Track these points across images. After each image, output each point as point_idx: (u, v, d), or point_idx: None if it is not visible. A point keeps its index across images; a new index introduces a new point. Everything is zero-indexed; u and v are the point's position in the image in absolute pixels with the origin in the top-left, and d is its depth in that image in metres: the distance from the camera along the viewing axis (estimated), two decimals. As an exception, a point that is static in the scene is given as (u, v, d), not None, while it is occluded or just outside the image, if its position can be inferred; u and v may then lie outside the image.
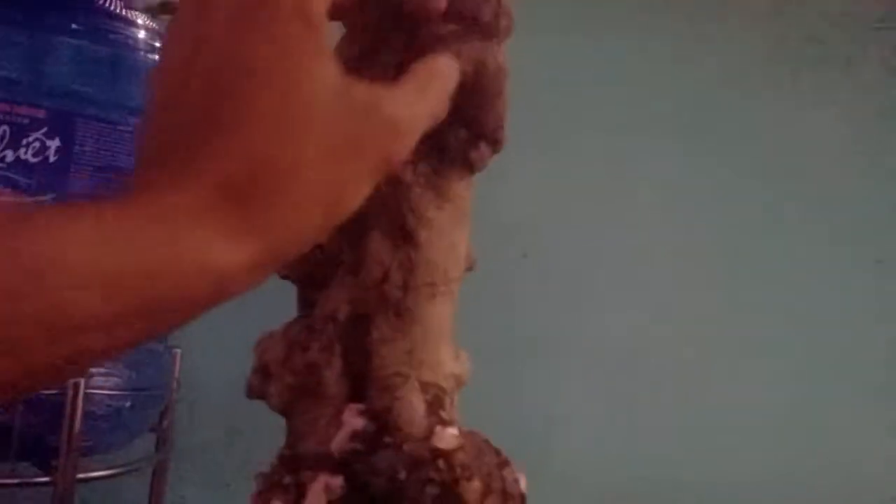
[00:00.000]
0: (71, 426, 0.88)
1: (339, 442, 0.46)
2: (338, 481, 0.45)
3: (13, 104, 0.89)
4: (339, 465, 0.46)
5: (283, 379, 0.44)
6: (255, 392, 0.46)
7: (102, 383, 0.93)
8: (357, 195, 0.31)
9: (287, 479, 0.45)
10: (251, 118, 0.28)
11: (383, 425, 0.46)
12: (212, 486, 1.27)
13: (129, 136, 0.94)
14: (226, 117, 0.28)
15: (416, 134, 0.34)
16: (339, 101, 0.30)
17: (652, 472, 1.33)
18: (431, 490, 0.45)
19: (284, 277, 0.46)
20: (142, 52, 0.96)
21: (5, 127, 0.88)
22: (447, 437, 0.46)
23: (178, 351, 1.10)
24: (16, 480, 0.88)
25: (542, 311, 1.34)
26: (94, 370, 0.92)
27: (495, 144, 0.44)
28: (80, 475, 0.90)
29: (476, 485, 0.46)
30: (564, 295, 1.34)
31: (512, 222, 1.31)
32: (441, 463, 0.46)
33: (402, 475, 0.45)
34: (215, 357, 1.23)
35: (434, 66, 0.37)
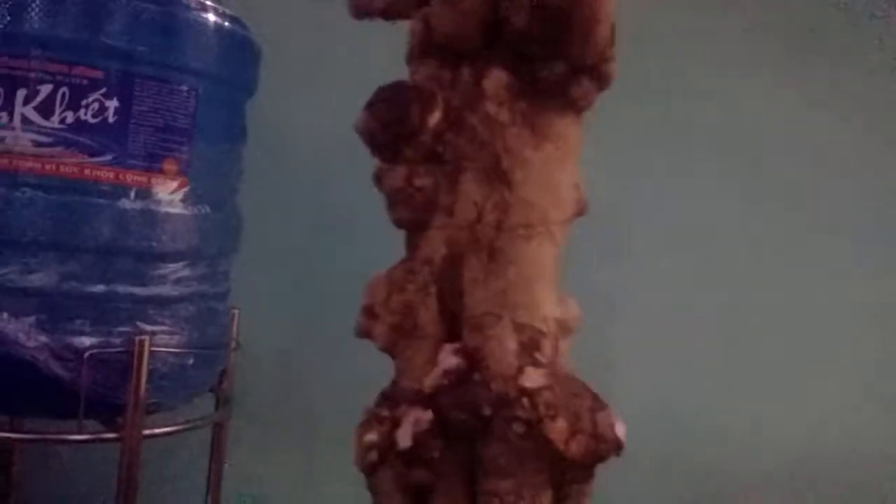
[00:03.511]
0: (138, 382, 0.89)
1: (431, 378, 0.46)
2: (427, 415, 0.46)
3: (71, 65, 0.89)
4: (429, 400, 0.46)
5: (384, 319, 0.46)
6: (362, 332, 0.48)
7: (167, 341, 0.94)
8: None
9: (384, 413, 0.46)
10: None
11: (474, 363, 0.46)
12: (269, 444, 1.29)
13: (186, 96, 0.95)
14: None
15: None
16: None
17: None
18: (517, 428, 0.46)
19: (397, 223, 0.47)
20: (195, 12, 0.95)
21: (65, 88, 0.89)
22: (534, 376, 0.47)
23: (237, 311, 1.11)
24: (84, 436, 0.89)
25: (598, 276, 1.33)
26: (158, 328, 0.93)
27: (600, 80, 0.42)
28: (146, 431, 0.92)
29: (561, 424, 0.46)
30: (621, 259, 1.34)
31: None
32: (525, 401, 0.46)
33: (488, 412, 0.45)
34: (271, 317, 1.25)
35: None
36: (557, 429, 0.46)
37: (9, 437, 0.99)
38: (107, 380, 0.90)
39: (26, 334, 0.88)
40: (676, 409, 1.34)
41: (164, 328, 0.94)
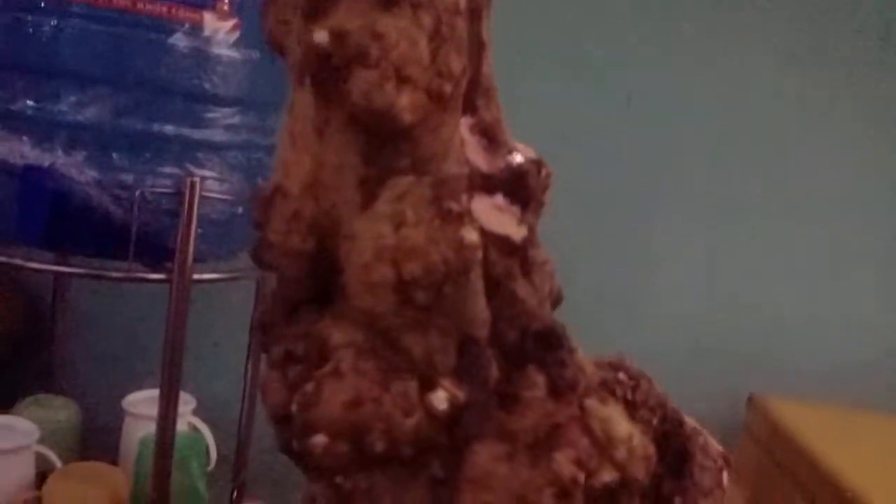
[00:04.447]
0: (188, 223, 0.88)
1: (480, 158, 0.44)
2: (501, 200, 0.44)
3: None
4: (495, 184, 0.44)
5: (427, 85, 0.38)
6: (384, 103, 0.39)
7: (216, 188, 0.93)
8: None
9: (454, 207, 0.42)
10: None
11: (494, 139, 0.44)
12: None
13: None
14: None
15: None
16: None
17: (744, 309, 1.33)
18: (541, 198, 0.46)
19: None
20: None
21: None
22: (528, 147, 0.47)
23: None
24: (134, 275, 0.89)
25: (643, 158, 1.30)
26: (207, 174, 0.92)
27: None
28: (195, 276, 0.92)
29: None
30: (666, 142, 1.31)
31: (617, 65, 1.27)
32: (544, 172, 0.46)
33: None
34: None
35: None
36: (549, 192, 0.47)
37: (58, 271, 0.99)
38: (157, 221, 0.90)
39: (78, 169, 0.87)
40: (723, 301, 1.33)
41: (213, 174, 0.93)
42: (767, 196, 1.31)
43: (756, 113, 1.30)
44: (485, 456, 0.43)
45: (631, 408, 0.46)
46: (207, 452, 1.10)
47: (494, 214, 0.43)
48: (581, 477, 0.42)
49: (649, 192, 1.32)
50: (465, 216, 0.42)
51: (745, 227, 1.31)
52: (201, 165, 0.92)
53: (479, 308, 0.43)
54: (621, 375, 0.47)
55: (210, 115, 0.92)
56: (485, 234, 0.42)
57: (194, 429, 1.11)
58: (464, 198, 0.42)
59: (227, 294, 1.23)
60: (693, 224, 1.32)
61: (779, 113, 1.30)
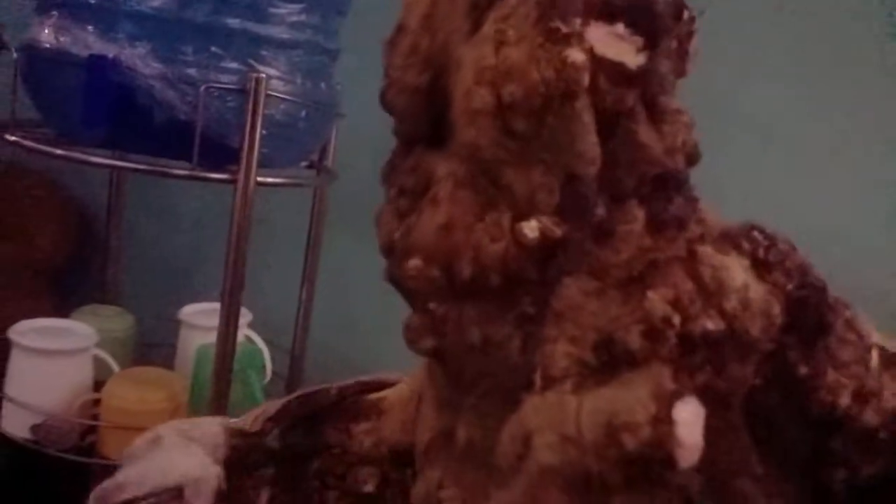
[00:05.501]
0: (254, 121, 0.86)
1: None
2: (622, 29, 0.41)
3: None
4: (619, 10, 0.41)
5: None
6: None
7: (280, 88, 0.90)
8: None
9: (561, 27, 0.39)
10: None
11: None
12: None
13: None
14: None
15: None
16: None
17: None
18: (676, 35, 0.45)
19: None
20: None
21: None
22: None
23: (339, 86, 1.07)
24: (197, 173, 0.87)
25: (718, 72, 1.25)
26: (272, 72, 0.89)
27: None
28: (259, 179, 0.89)
29: None
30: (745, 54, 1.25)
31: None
32: (687, 15, 0.45)
33: None
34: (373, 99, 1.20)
35: None
36: None
37: (119, 166, 0.97)
38: (220, 119, 0.88)
39: (142, 61, 0.85)
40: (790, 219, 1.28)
41: (277, 73, 0.90)
42: (855, 119, 1.25)
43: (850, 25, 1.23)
44: (573, 289, 0.40)
45: (762, 267, 0.42)
46: (264, 366, 1.09)
47: (611, 41, 0.40)
48: (676, 318, 0.39)
49: (723, 106, 1.27)
50: (572, 37, 0.39)
51: (831, 154, 1.26)
52: (266, 63, 0.90)
53: (587, 143, 0.40)
54: (755, 233, 0.43)
55: (275, 10, 0.89)
56: (595, 59, 0.39)
57: (251, 342, 1.09)
58: (577, 21, 0.39)
59: (278, 217, 1.21)
60: (768, 139, 1.26)
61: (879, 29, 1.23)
